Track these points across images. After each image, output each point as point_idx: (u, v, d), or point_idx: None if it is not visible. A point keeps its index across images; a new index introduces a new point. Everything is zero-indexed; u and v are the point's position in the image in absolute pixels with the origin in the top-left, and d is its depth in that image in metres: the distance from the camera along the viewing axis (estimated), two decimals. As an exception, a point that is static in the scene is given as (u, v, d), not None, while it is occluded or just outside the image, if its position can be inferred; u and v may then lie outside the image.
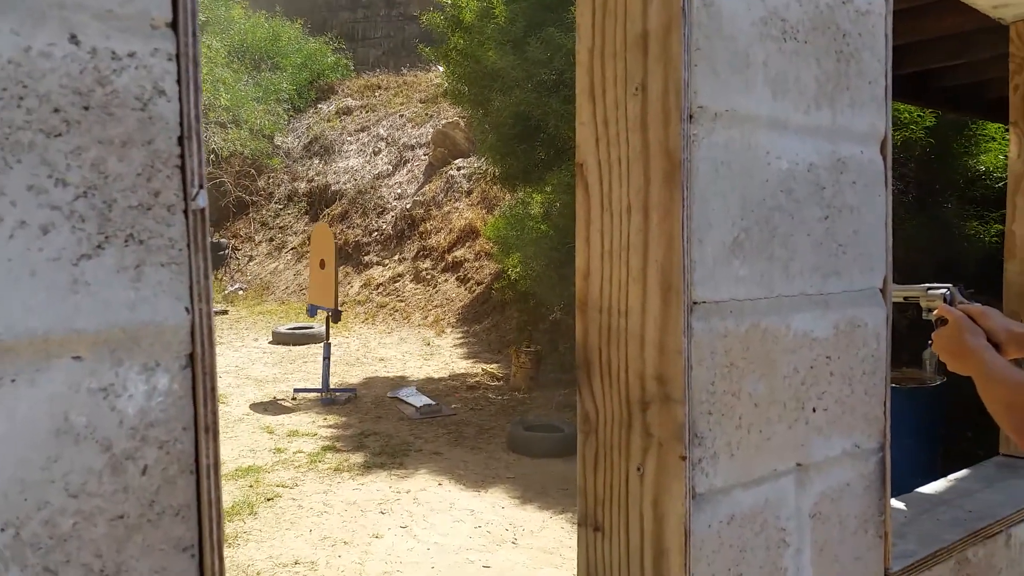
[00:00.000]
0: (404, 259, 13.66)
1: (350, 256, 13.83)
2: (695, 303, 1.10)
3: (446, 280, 12.81)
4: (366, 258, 13.91)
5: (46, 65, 0.64)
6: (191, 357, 0.72)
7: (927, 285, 1.74)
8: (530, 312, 10.21)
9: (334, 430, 7.62)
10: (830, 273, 1.30)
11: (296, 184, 16.19)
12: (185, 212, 0.71)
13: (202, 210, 0.72)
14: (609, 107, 1.14)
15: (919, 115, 6.20)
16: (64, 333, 0.65)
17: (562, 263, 8.06)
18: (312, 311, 9.08)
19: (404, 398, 8.51)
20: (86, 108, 0.66)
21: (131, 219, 0.68)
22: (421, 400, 8.38)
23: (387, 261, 13.80)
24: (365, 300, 13.00)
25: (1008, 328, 1.53)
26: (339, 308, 8.86)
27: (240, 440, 7.17)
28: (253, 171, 16.40)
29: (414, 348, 11.11)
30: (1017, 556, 1.85)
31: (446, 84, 10.57)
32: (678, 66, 1.06)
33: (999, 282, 2.29)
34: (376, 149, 16.04)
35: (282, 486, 6.12)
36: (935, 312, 1.59)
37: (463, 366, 10.18)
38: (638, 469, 1.15)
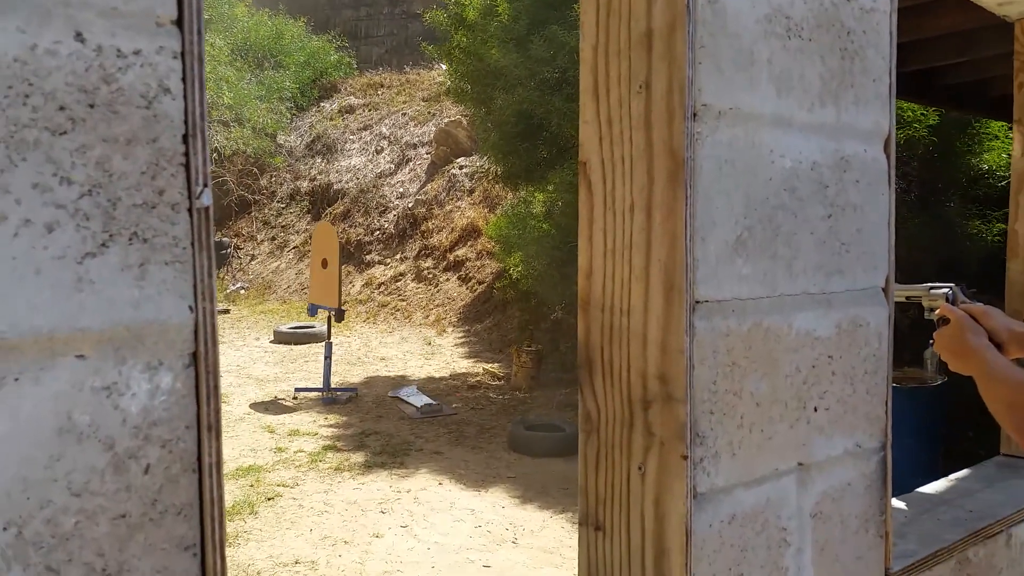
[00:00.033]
0: (406, 258, 13.67)
1: (352, 255, 13.83)
2: (698, 302, 1.10)
3: (448, 279, 12.81)
4: (368, 257, 13.92)
5: (52, 63, 0.64)
6: (194, 356, 0.72)
7: (929, 284, 1.74)
8: (531, 311, 10.21)
9: (335, 429, 7.63)
10: (833, 272, 1.29)
11: (298, 183, 16.20)
12: (189, 210, 0.71)
13: (206, 208, 0.72)
14: (613, 105, 1.14)
15: (922, 113, 6.19)
16: (68, 331, 0.65)
17: (564, 262, 8.06)
18: (313, 310, 9.08)
19: (405, 397, 8.51)
20: (91, 106, 0.66)
21: (135, 217, 0.68)
22: (422, 399, 8.38)
23: (389, 260, 13.80)
24: (367, 299, 13.01)
25: (1010, 328, 1.53)
26: (342, 307, 8.86)
27: (241, 439, 7.18)
28: (255, 170, 16.41)
29: (415, 347, 11.11)
30: (1018, 556, 1.84)
31: (449, 82, 10.58)
32: (682, 64, 1.06)
33: (1001, 281, 2.29)
34: (378, 148, 16.04)
35: (283, 485, 6.12)
36: (937, 312, 1.59)
37: (464, 365, 10.18)
38: (639, 468, 1.15)
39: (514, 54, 8.25)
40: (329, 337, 8.92)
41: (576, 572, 1.25)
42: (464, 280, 12.62)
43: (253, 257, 15.37)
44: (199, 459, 0.73)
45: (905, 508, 1.84)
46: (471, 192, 13.82)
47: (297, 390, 8.81)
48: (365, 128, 16.79)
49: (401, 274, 13.39)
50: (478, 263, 12.65)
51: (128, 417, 0.69)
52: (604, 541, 1.20)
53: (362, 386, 9.15)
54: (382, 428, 7.65)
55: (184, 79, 0.70)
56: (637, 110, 1.11)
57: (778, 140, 1.19)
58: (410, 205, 14.34)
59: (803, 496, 1.28)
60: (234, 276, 14.90)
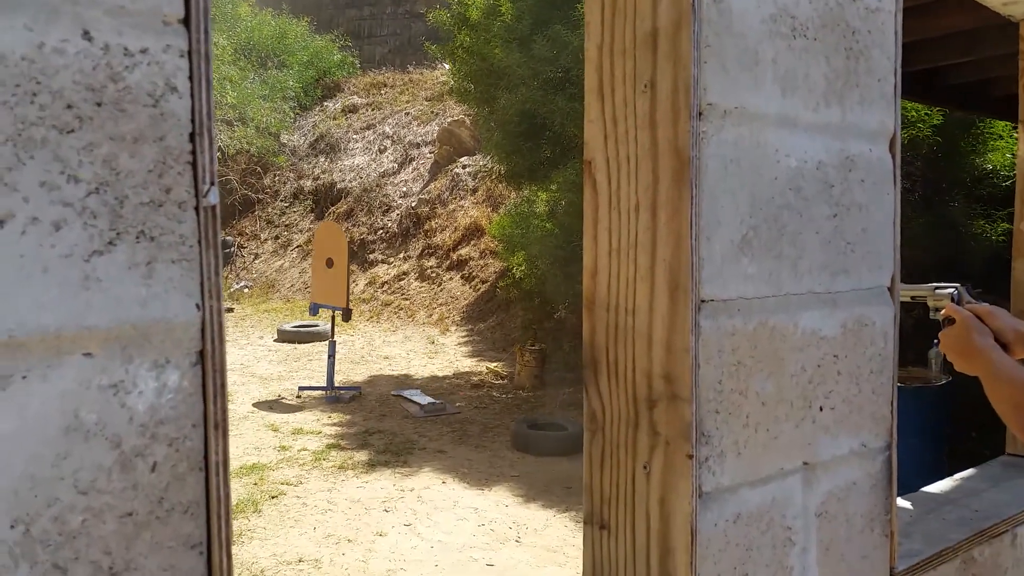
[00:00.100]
0: (409, 257, 13.67)
1: (355, 254, 13.83)
2: (703, 301, 1.10)
3: (451, 278, 12.81)
4: (371, 256, 13.93)
5: (59, 61, 0.64)
6: (201, 354, 0.72)
7: (934, 284, 1.74)
8: (535, 310, 10.21)
9: (338, 428, 7.63)
10: (838, 271, 1.29)
11: (302, 182, 16.21)
12: (196, 209, 0.71)
13: (213, 207, 0.72)
14: (618, 104, 1.14)
15: (926, 113, 6.19)
16: (76, 330, 0.65)
17: (567, 261, 8.06)
18: (314, 310, 9.08)
19: (408, 396, 8.52)
20: (99, 104, 0.66)
21: (143, 216, 0.68)
22: (425, 398, 8.38)
23: (392, 259, 13.81)
24: (370, 298, 13.02)
25: (1016, 328, 1.52)
26: (349, 307, 8.87)
27: (245, 438, 7.19)
28: (259, 169, 16.42)
29: (419, 346, 11.11)
30: (1023, 555, 1.84)
31: (452, 82, 10.58)
32: (688, 63, 1.06)
33: (1006, 281, 2.29)
34: (382, 147, 16.05)
35: (286, 484, 6.13)
36: (942, 312, 1.59)
37: (467, 364, 10.19)
38: (645, 468, 1.15)
39: (517, 54, 8.25)
40: (333, 336, 8.93)
41: (580, 571, 1.25)
42: (467, 279, 12.62)
43: (257, 256, 15.39)
44: (206, 457, 0.73)
45: (910, 508, 1.84)
46: (474, 191, 13.82)
47: (301, 388, 8.82)
48: (368, 127, 16.80)
49: (404, 273, 13.39)
50: (481, 262, 12.65)
51: (135, 415, 0.69)
52: (609, 540, 1.20)
53: (365, 385, 9.16)
54: (386, 427, 7.66)
55: (191, 78, 0.70)
56: (642, 109, 1.11)
57: (783, 140, 1.19)
58: (413, 204, 14.34)
59: (808, 495, 1.28)
60: (238, 275, 14.91)
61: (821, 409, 1.29)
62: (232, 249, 14.99)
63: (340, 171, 15.91)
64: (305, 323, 11.71)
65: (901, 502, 1.84)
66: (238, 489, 5.88)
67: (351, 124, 17.09)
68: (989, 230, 6.28)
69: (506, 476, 6.38)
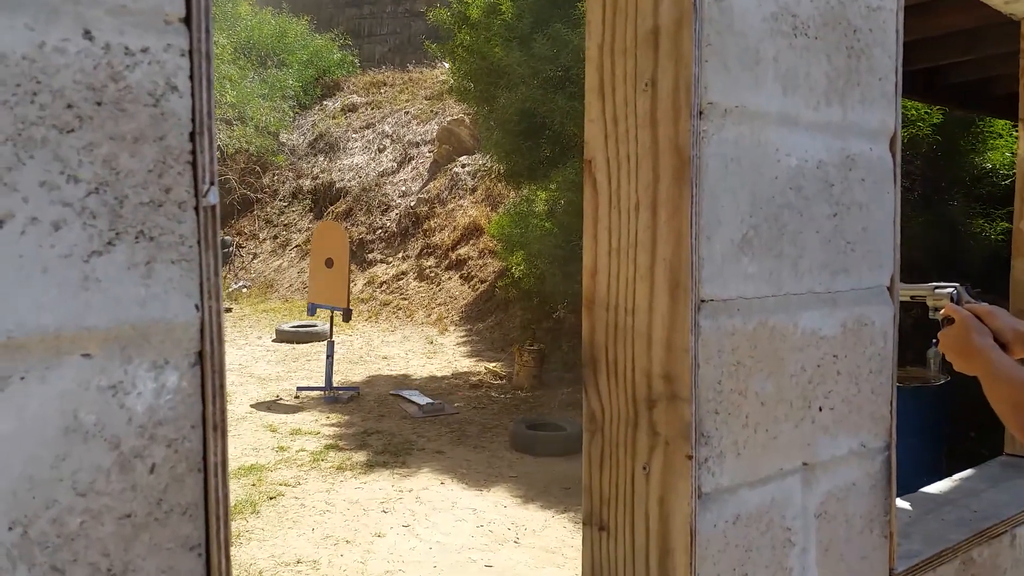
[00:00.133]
0: (408, 257, 13.67)
1: (354, 254, 13.80)
2: (703, 301, 1.10)
3: (450, 278, 12.81)
4: (370, 256, 13.92)
5: (60, 61, 0.64)
6: (200, 355, 0.72)
7: (934, 284, 1.74)
8: (534, 310, 10.21)
9: (337, 428, 7.63)
10: (838, 271, 1.29)
11: (301, 181, 16.20)
12: (196, 209, 0.71)
13: (213, 207, 0.71)
14: (619, 103, 1.14)
15: (926, 112, 6.19)
16: (75, 330, 0.65)
17: (566, 261, 8.06)
18: (312, 310, 9.07)
19: (407, 397, 8.51)
20: (99, 104, 0.66)
21: (142, 216, 0.68)
22: (424, 399, 8.38)
23: (391, 259, 13.81)
24: (369, 298, 13.01)
25: (1015, 327, 1.52)
26: (350, 307, 8.87)
27: (243, 438, 7.18)
28: (258, 168, 16.41)
29: (417, 346, 11.11)
30: (1022, 556, 1.84)
31: (452, 81, 10.58)
32: (689, 62, 1.05)
33: (1005, 280, 2.29)
34: (381, 146, 16.04)
35: (285, 484, 6.12)
36: (942, 311, 1.59)
37: (466, 364, 10.18)
38: (644, 468, 1.14)
39: (517, 52, 8.25)
40: (331, 336, 8.92)
41: (579, 572, 1.25)
42: (466, 279, 12.61)
43: (255, 256, 15.38)
44: (204, 458, 0.73)
45: (909, 508, 1.84)
46: (473, 191, 13.82)
47: (299, 389, 8.81)
48: (368, 126, 16.79)
49: (403, 273, 13.39)
50: (480, 262, 12.64)
51: (134, 416, 0.69)
52: (608, 541, 1.20)
53: (364, 385, 9.15)
54: (384, 427, 7.65)
55: (192, 77, 0.70)
56: (643, 108, 1.11)
57: (784, 138, 1.19)
58: (412, 204, 14.34)
59: (808, 496, 1.28)
60: (236, 275, 14.90)
61: (820, 409, 1.29)
62: (231, 249, 14.98)
63: (339, 170, 15.90)
64: (303, 323, 11.70)
65: (900, 502, 1.84)
66: (236, 490, 5.88)
67: (350, 123, 17.08)
68: (988, 229, 6.28)
69: (505, 477, 6.38)
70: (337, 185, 15.61)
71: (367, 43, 20.22)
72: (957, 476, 2.09)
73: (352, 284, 13.07)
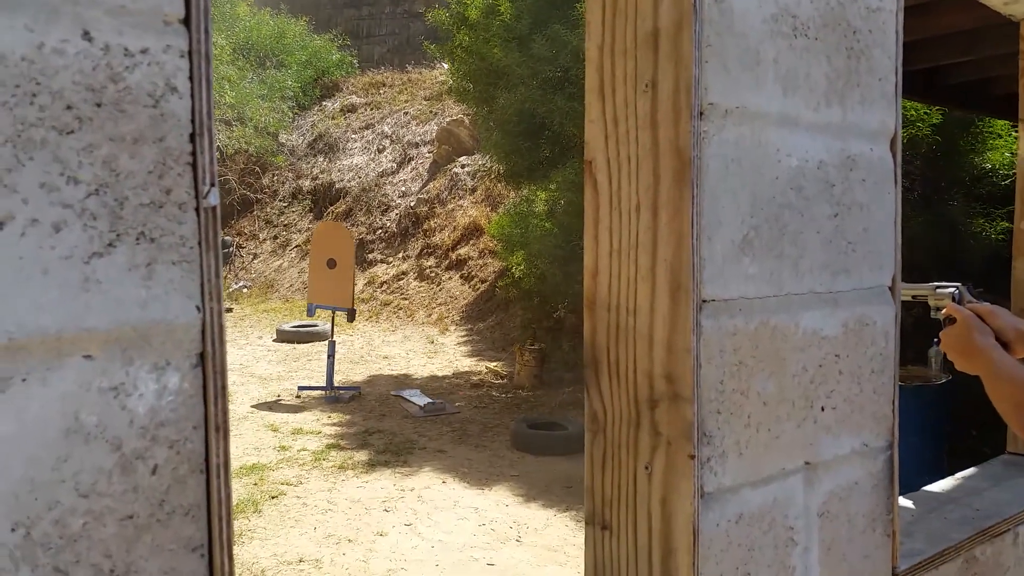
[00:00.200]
0: (408, 257, 13.67)
1: (354, 254, 13.83)
2: (704, 301, 1.10)
3: (450, 278, 12.81)
4: (370, 256, 13.92)
5: (59, 62, 0.64)
6: (202, 356, 0.72)
7: (935, 284, 1.74)
8: (534, 310, 10.21)
9: (338, 428, 7.63)
10: (839, 271, 1.29)
11: (300, 182, 16.20)
12: (196, 210, 0.71)
13: (213, 208, 0.71)
14: (619, 104, 1.14)
15: (925, 112, 6.19)
16: (75, 332, 0.65)
17: (566, 261, 8.06)
18: (311, 310, 9.07)
19: (408, 396, 8.52)
20: (98, 105, 0.65)
21: (143, 217, 0.68)
22: (425, 398, 8.39)
23: (391, 259, 13.81)
24: (369, 298, 13.01)
25: (1016, 327, 1.52)
26: (354, 308, 8.87)
27: (245, 438, 7.18)
28: (258, 169, 16.42)
29: (418, 346, 11.11)
30: (1024, 555, 1.84)
31: (451, 81, 10.58)
32: (689, 63, 1.05)
33: (1005, 279, 2.29)
34: (380, 147, 16.05)
35: (286, 484, 6.12)
36: (943, 311, 1.59)
37: (467, 364, 10.19)
38: (646, 468, 1.14)
39: (516, 53, 8.25)
40: (332, 336, 8.93)
41: (581, 571, 1.25)
42: (466, 279, 12.62)
43: (255, 256, 15.38)
44: (207, 460, 0.73)
45: (912, 507, 1.84)
46: (473, 191, 13.82)
47: (300, 388, 8.81)
48: (367, 127, 16.80)
49: (403, 273, 13.39)
50: (480, 262, 12.65)
51: (135, 418, 0.69)
52: (611, 541, 1.20)
53: (365, 385, 9.16)
54: (385, 427, 7.66)
55: (191, 78, 0.70)
56: (643, 109, 1.11)
57: (784, 139, 1.19)
58: (412, 204, 14.34)
59: (810, 495, 1.28)
60: (236, 275, 14.91)
61: (823, 409, 1.28)
62: (231, 249, 14.99)
63: (339, 171, 15.91)
64: (304, 323, 11.70)
65: (903, 501, 1.84)
66: (238, 489, 5.88)
67: (350, 124, 17.09)
68: (988, 229, 6.28)
69: (506, 476, 6.38)
70: (337, 185, 15.62)
71: (366, 44, 20.23)
72: (959, 475, 2.09)
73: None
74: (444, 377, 9.55)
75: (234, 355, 10.36)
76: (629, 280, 1.14)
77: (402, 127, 16.21)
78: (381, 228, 14.36)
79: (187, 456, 0.72)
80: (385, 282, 13.34)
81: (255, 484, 6.07)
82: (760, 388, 1.18)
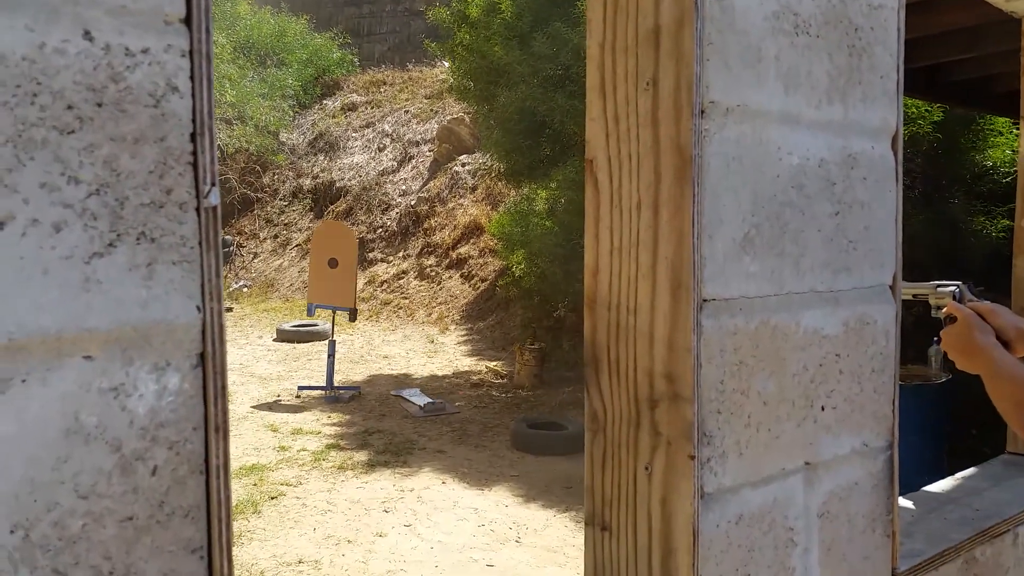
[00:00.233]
0: (408, 256, 13.67)
1: (357, 253, 13.83)
2: (705, 300, 1.09)
3: (450, 277, 12.81)
4: (371, 255, 13.92)
5: (60, 62, 0.63)
6: (202, 356, 0.72)
7: (936, 283, 1.74)
8: (534, 309, 10.20)
9: (338, 428, 7.63)
10: (840, 270, 1.29)
11: (301, 180, 16.20)
12: (197, 210, 0.71)
13: (214, 208, 0.71)
14: (620, 103, 1.13)
15: (926, 110, 6.19)
16: (76, 332, 0.65)
17: (567, 259, 8.06)
18: (311, 310, 9.06)
19: (408, 396, 8.52)
20: (99, 105, 0.65)
21: (143, 217, 0.68)
22: (425, 398, 8.38)
23: (391, 258, 13.80)
24: (369, 297, 13.01)
25: (1017, 325, 1.52)
26: (356, 307, 8.88)
27: (244, 438, 7.18)
28: (258, 167, 16.42)
29: (418, 345, 11.11)
30: (1025, 554, 1.84)
31: (451, 80, 10.59)
32: (690, 61, 1.05)
33: (1006, 277, 2.29)
34: (381, 145, 16.04)
35: (286, 484, 6.12)
36: (944, 310, 1.59)
37: (467, 363, 10.18)
38: (646, 468, 1.14)
39: (517, 51, 8.25)
40: (332, 335, 8.92)
41: (580, 571, 1.25)
42: (467, 278, 12.61)
43: (256, 255, 15.38)
44: (206, 460, 0.72)
45: (912, 507, 1.84)
46: (474, 189, 13.82)
47: (300, 388, 8.81)
48: (368, 125, 16.79)
49: (404, 272, 13.39)
50: (481, 261, 12.64)
51: (135, 418, 0.68)
52: (611, 541, 1.20)
53: (365, 384, 9.15)
54: (385, 427, 7.65)
55: (192, 77, 0.70)
56: (644, 107, 1.11)
57: (786, 137, 1.18)
58: (412, 203, 14.33)
59: (810, 496, 1.28)
60: (236, 274, 14.91)
61: (823, 408, 1.28)
62: (231, 248, 14.99)
63: (339, 169, 15.90)
64: (304, 323, 11.70)
65: (903, 501, 1.83)
66: (237, 490, 5.88)
67: (350, 122, 17.08)
68: (989, 227, 6.28)
69: (506, 476, 6.38)
70: (337, 184, 15.62)
71: (366, 42, 20.22)
72: (959, 475, 2.09)
73: (352, 283, 13.07)
74: (444, 377, 9.55)
75: (234, 355, 10.36)
76: (630, 279, 1.14)
77: (403, 125, 16.20)
78: (381, 227, 14.36)
79: (187, 457, 0.71)
80: (385, 281, 13.33)
81: (255, 484, 6.07)
82: (760, 388, 1.18)
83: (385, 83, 17.99)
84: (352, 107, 17.53)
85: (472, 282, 12.48)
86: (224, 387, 0.73)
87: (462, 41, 9.48)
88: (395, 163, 15.46)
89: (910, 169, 6.17)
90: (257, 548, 5.02)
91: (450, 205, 13.88)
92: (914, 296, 1.76)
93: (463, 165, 14.30)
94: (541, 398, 8.58)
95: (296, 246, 15.01)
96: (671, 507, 1.11)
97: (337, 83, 18.47)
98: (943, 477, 2.08)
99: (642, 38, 1.10)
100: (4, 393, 0.62)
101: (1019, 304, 2.21)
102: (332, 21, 20.25)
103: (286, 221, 15.75)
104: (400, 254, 13.79)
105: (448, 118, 15.16)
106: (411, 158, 15.38)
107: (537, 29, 8.07)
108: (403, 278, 13.27)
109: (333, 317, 8.97)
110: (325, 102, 17.95)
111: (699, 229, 1.08)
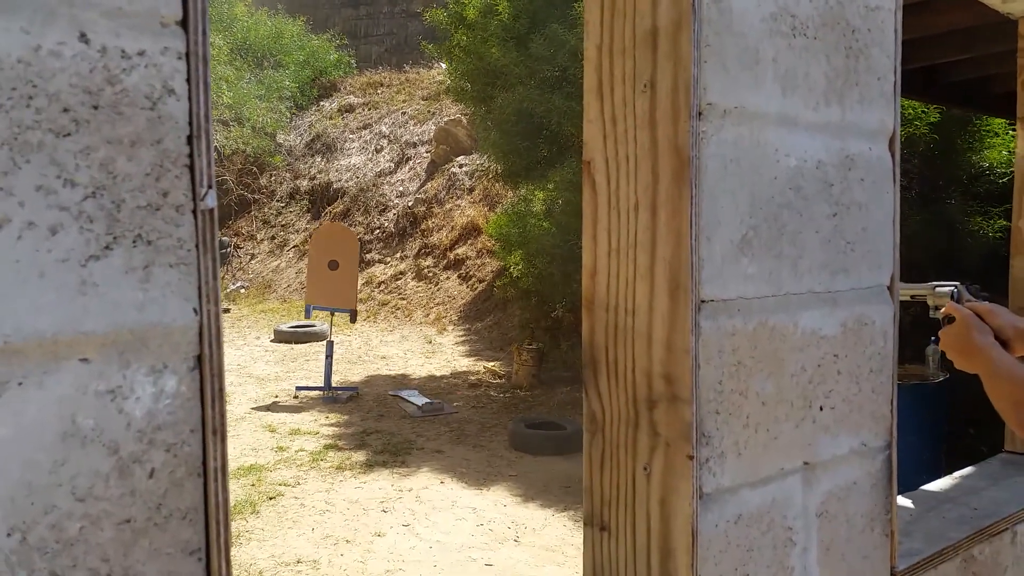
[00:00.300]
0: (406, 257, 13.67)
1: (358, 255, 13.83)
2: (703, 301, 1.09)
3: (448, 278, 12.81)
4: (368, 256, 13.92)
5: (56, 64, 0.63)
6: (199, 359, 0.71)
7: (934, 283, 1.74)
8: (532, 310, 10.20)
9: (336, 428, 7.62)
10: (838, 270, 1.29)
11: (298, 182, 16.19)
12: (194, 212, 0.70)
13: (211, 210, 0.71)
14: (617, 104, 1.13)
15: (923, 111, 6.19)
16: (72, 335, 0.65)
17: (564, 260, 8.06)
18: (309, 312, 9.06)
19: (406, 396, 8.52)
20: (95, 107, 0.65)
21: (140, 219, 0.68)
22: (423, 398, 8.38)
23: (389, 259, 13.80)
24: (367, 298, 13.01)
25: (1015, 325, 1.52)
26: (355, 309, 8.89)
27: (242, 439, 7.18)
28: (255, 169, 16.41)
29: (416, 346, 11.11)
30: (1023, 553, 1.84)
31: (449, 81, 10.59)
32: (688, 63, 1.05)
33: (1003, 278, 2.29)
34: (378, 147, 16.04)
35: (284, 485, 6.12)
36: (942, 310, 1.59)
37: (465, 364, 10.18)
38: (645, 469, 1.14)
39: (514, 53, 8.25)
40: (330, 336, 8.92)
41: (579, 571, 1.25)
42: (464, 278, 12.61)
43: (253, 256, 15.37)
44: (204, 463, 0.72)
45: (911, 506, 1.84)
46: (471, 190, 13.82)
47: (298, 389, 8.81)
48: (365, 127, 16.79)
49: (401, 273, 13.39)
50: (478, 261, 12.64)
51: (132, 421, 0.68)
52: (609, 541, 1.19)
53: (363, 385, 9.15)
54: (383, 427, 7.65)
55: (189, 80, 0.69)
56: (642, 109, 1.11)
57: (783, 139, 1.18)
58: (410, 204, 14.33)
59: (809, 495, 1.28)
60: (234, 275, 14.90)
61: (821, 409, 1.28)
62: (228, 249, 14.98)
63: (336, 171, 15.90)
64: (302, 323, 11.69)
65: (902, 500, 1.84)
66: (236, 490, 5.87)
67: (347, 124, 17.08)
68: (986, 227, 6.28)
69: (504, 476, 6.38)
70: (334, 185, 15.61)
71: (364, 44, 20.22)
72: (957, 474, 2.09)
73: (350, 284, 13.06)
74: (442, 377, 9.54)
75: (232, 356, 10.35)
76: (628, 280, 1.14)
77: (400, 127, 16.20)
78: (379, 228, 14.36)
79: (184, 459, 0.71)
80: (383, 282, 13.33)
81: (253, 485, 6.07)
82: (759, 388, 1.18)
83: (382, 85, 17.99)
84: (349, 108, 17.53)
85: (470, 283, 12.48)
86: (221, 390, 0.73)
87: (459, 43, 9.48)
88: (392, 164, 15.46)
89: (907, 170, 6.18)
90: (255, 548, 5.01)
91: (447, 206, 13.88)
92: (912, 297, 1.76)
93: (460, 166, 14.30)
94: (539, 398, 8.58)
95: (293, 247, 15.00)
96: (670, 507, 1.11)
97: (334, 85, 18.47)
98: (941, 476, 2.08)
99: (639, 40, 1.10)
100: (1, 396, 0.62)
101: (1016, 304, 2.21)
102: (329, 23, 20.25)
103: (283, 222, 15.75)
104: (398, 255, 13.79)
105: (445, 119, 15.16)
106: (408, 159, 15.38)
107: (534, 31, 8.07)
108: (401, 279, 13.27)
109: (331, 318, 8.96)
110: (322, 104, 17.95)
111: (697, 230, 1.08)
